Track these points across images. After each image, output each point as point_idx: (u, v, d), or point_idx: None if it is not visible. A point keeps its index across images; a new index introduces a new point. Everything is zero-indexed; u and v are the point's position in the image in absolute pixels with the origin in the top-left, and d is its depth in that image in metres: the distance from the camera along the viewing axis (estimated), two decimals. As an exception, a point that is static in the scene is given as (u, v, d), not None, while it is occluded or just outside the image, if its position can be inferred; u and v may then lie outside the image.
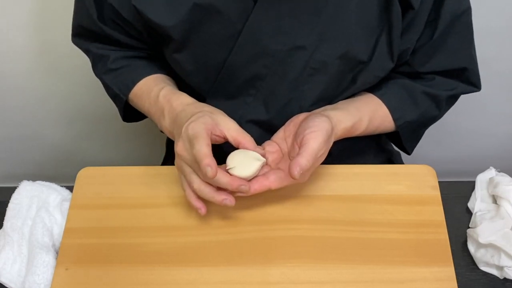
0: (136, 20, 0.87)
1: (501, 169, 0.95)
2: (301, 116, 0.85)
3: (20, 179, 0.90)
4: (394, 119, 0.92)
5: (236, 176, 0.76)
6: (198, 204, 0.79)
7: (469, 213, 0.90)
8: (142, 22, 0.87)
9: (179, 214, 0.83)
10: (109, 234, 0.81)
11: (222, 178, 0.75)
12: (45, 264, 0.79)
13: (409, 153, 1.01)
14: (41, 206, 0.86)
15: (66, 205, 0.86)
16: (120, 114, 1.00)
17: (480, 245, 0.84)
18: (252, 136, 0.94)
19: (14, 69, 1.28)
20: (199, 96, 0.94)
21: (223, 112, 0.83)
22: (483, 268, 0.84)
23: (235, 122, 0.81)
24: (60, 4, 1.14)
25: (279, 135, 0.86)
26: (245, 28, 0.83)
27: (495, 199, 0.89)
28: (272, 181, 0.78)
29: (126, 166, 0.89)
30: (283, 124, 0.91)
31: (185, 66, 0.90)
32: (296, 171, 0.75)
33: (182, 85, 0.97)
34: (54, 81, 1.31)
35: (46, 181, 0.91)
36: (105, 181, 0.87)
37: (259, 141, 0.94)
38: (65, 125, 1.44)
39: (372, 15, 0.85)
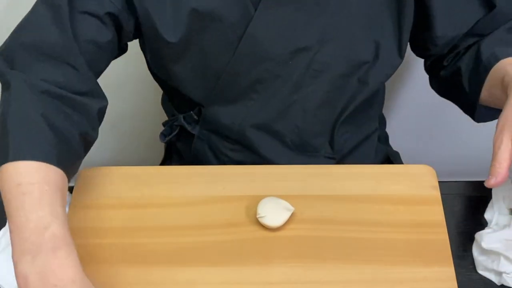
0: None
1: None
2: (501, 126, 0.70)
3: (20, 179, 0.89)
4: None
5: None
6: None
7: (469, 213, 0.90)
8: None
9: (179, 214, 0.83)
10: (109, 234, 0.81)
11: None
12: None
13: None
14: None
15: (66, 205, 0.86)
16: None
17: (484, 251, 0.83)
18: (255, 140, 0.93)
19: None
20: (195, 103, 0.93)
21: None
22: (481, 272, 0.83)
23: None
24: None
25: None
26: (246, 35, 0.82)
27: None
28: None
29: (126, 166, 0.89)
30: (285, 127, 0.91)
31: (182, 75, 0.88)
32: None
33: (176, 95, 0.95)
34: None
35: (46, 181, 0.91)
36: (105, 181, 0.87)
37: (262, 145, 0.93)
38: (65, 125, 1.44)
39: (377, 14, 0.83)
